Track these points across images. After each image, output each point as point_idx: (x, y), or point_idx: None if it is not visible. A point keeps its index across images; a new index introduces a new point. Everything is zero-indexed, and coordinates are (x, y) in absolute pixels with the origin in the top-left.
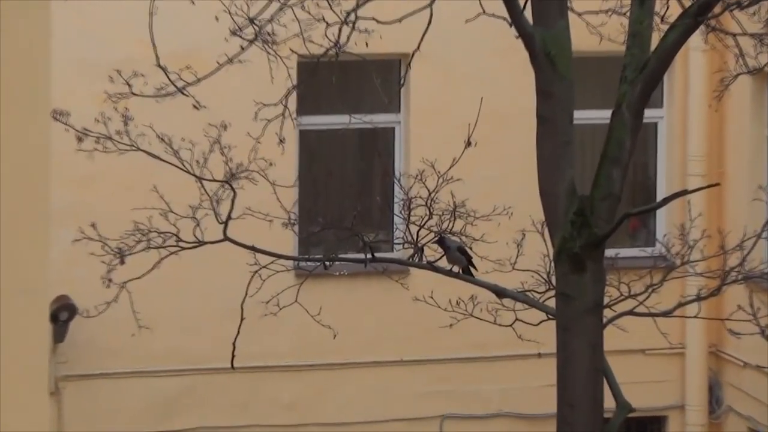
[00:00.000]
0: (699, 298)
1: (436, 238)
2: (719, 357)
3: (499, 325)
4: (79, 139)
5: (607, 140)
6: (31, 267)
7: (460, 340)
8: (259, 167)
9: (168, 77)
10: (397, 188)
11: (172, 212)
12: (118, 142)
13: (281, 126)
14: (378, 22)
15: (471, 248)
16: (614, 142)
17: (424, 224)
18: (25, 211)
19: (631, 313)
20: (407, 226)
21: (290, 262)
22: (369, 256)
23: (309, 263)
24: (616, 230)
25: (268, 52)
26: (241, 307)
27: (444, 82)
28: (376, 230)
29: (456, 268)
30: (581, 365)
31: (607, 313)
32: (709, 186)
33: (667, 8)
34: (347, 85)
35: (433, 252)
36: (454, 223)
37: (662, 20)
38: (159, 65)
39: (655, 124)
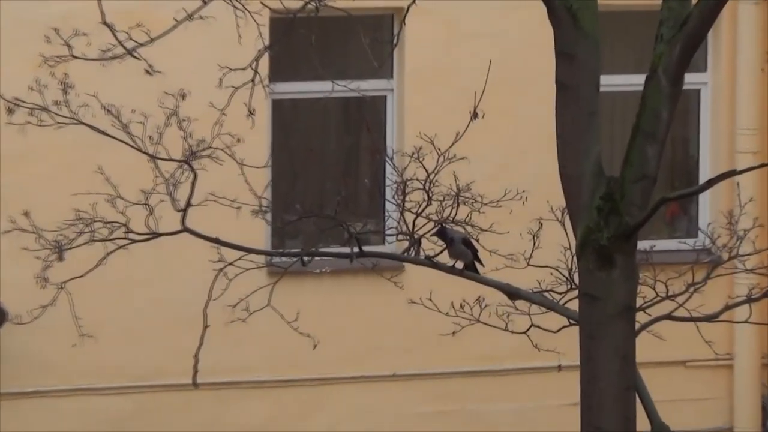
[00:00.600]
0: (750, 300)
1: (436, 229)
2: None
3: (512, 332)
4: (9, 111)
5: (640, 111)
6: None
7: (464, 351)
8: (224, 144)
9: (115, 37)
10: (389, 169)
11: (121, 198)
12: (56, 114)
13: (251, 95)
14: None
15: (477, 240)
16: (649, 114)
17: (422, 212)
18: None
19: (669, 317)
20: (401, 213)
21: (262, 258)
22: (356, 249)
23: (284, 259)
24: (651, 218)
25: (235, 7)
26: (204, 312)
27: (445, 42)
28: (364, 219)
29: (460, 264)
30: (610, 380)
31: (641, 318)
32: (762, 165)
33: None
34: (329, 46)
35: (432, 245)
36: (457, 211)
37: None
38: (104, 22)
39: (698, 92)
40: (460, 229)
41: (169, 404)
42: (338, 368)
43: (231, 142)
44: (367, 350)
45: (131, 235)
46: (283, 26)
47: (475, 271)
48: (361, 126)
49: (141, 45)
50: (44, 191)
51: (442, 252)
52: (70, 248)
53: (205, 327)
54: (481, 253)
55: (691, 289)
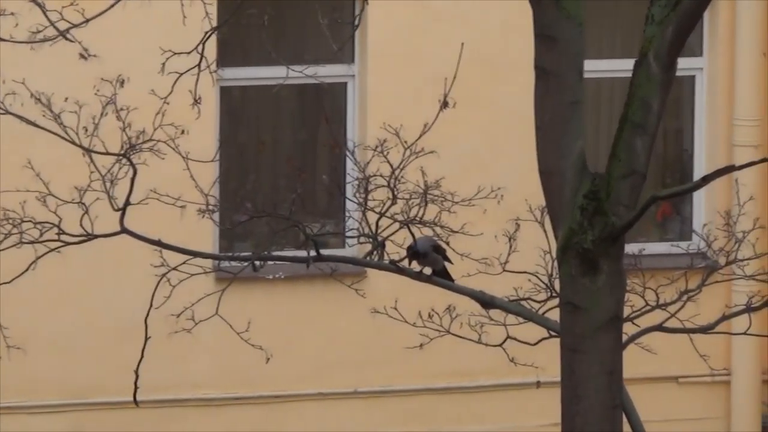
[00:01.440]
0: (749, 309)
1: (409, 252)
2: None
3: (486, 345)
4: None
5: (629, 100)
6: None
7: (433, 366)
8: (167, 136)
9: (46, 16)
10: (349, 164)
11: (52, 196)
12: None
13: (196, 81)
14: None
15: (448, 243)
16: (638, 103)
17: (386, 211)
18: None
19: (660, 328)
20: (363, 213)
21: (209, 262)
22: (313, 253)
23: (234, 263)
24: (640, 219)
25: None
26: (145, 322)
27: (412, 23)
28: (322, 219)
29: (428, 270)
30: (594, 398)
31: (629, 329)
32: (763, 160)
33: None
34: (283, 27)
35: (398, 248)
36: (425, 210)
37: None
38: (34, 1)
39: (693, 78)
40: (427, 231)
41: (108, 424)
42: (294, 384)
43: (174, 133)
44: (326, 364)
45: (64, 237)
46: (232, 5)
47: (446, 277)
48: (318, 116)
49: (75, 26)
50: None
51: (407, 257)
52: None
53: (147, 338)
54: (452, 256)
55: (685, 298)
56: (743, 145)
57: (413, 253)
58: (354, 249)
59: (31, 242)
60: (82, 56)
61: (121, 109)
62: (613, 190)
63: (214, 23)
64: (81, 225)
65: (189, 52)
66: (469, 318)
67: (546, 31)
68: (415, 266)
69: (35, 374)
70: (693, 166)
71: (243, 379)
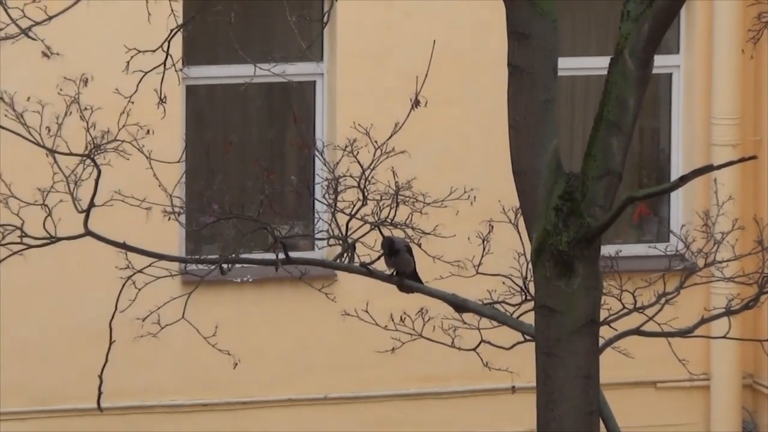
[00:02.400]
0: (729, 312)
1: (386, 245)
2: (756, 391)
3: (459, 349)
4: None
5: (604, 98)
6: None
7: (405, 370)
8: (132, 136)
9: (8, 14)
10: (319, 164)
11: (15, 198)
12: None
13: (162, 80)
14: None
15: (419, 245)
16: (613, 101)
17: (356, 212)
18: None
19: (637, 332)
20: (333, 215)
21: (175, 265)
22: (281, 256)
23: (200, 266)
24: (616, 220)
25: None
26: (110, 326)
27: (382, 20)
28: (291, 221)
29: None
30: (570, 403)
31: (605, 333)
32: (742, 160)
33: None
34: (251, 24)
35: (368, 250)
36: (396, 211)
37: None
38: None
39: (669, 76)
40: (399, 233)
41: (71, 431)
42: (263, 390)
43: (139, 133)
44: (296, 370)
45: (27, 240)
46: (198, 3)
47: (417, 279)
48: (287, 115)
49: (37, 24)
50: None
51: (379, 258)
52: None
53: (111, 342)
54: (424, 260)
55: (663, 300)
56: (721, 144)
57: (389, 246)
58: (324, 251)
59: None
60: (44, 54)
61: (85, 109)
62: (588, 190)
63: (180, 21)
64: (44, 227)
65: (154, 51)
66: (442, 321)
67: (519, 28)
68: (386, 268)
69: None
70: (670, 166)
71: (210, 384)
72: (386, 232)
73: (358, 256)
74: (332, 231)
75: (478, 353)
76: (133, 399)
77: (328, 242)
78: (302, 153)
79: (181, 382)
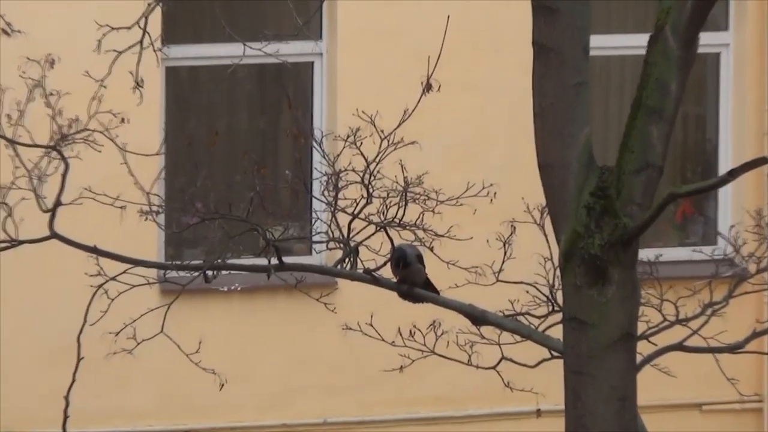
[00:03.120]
0: None
1: (397, 258)
2: None
3: (477, 367)
4: None
5: (643, 81)
6: None
7: (415, 391)
8: (104, 125)
9: None
10: (317, 156)
11: None
12: None
13: (138, 61)
14: None
15: (432, 249)
16: (653, 85)
17: (360, 212)
18: None
19: (680, 347)
20: (333, 214)
21: (153, 272)
22: (274, 261)
23: (182, 273)
24: (656, 220)
25: None
26: (78, 341)
27: None
28: (285, 222)
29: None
30: (603, 429)
31: (644, 348)
32: None
33: None
34: None
35: (373, 254)
36: (405, 211)
37: None
38: None
39: (717, 56)
40: (408, 235)
41: None
42: (253, 414)
43: (113, 122)
44: (290, 391)
45: None
46: None
47: (430, 288)
48: (280, 101)
49: None
50: None
51: (385, 264)
52: None
53: (79, 360)
54: (437, 265)
55: (709, 311)
56: None
57: (401, 259)
58: (322, 256)
59: None
60: (4, 32)
61: (51, 94)
62: (624, 186)
63: None
64: (3, 229)
65: (129, 28)
66: (457, 336)
67: (546, 1)
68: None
69: None
70: (718, 159)
71: (193, 408)
72: (393, 234)
73: (362, 262)
74: (332, 233)
75: (498, 372)
76: (104, 424)
77: (327, 245)
78: (298, 144)
79: (159, 405)
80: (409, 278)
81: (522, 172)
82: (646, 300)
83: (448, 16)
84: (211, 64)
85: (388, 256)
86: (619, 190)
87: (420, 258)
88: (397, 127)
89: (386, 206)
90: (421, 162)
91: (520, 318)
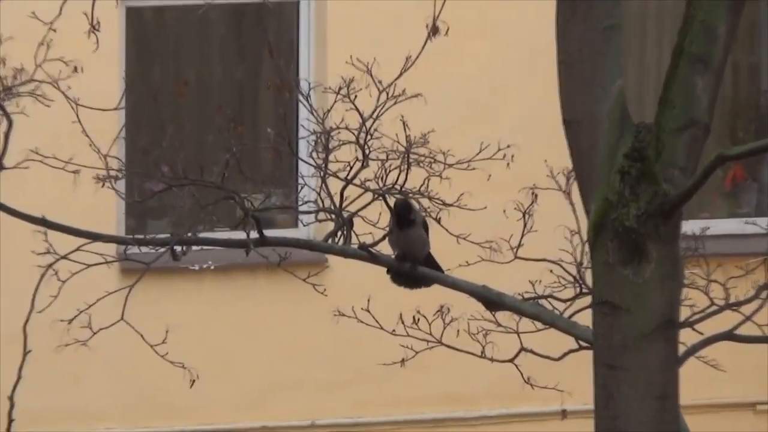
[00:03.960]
0: None
1: (399, 209)
2: None
3: (491, 360)
4: None
5: (685, 24)
6: None
7: (419, 389)
8: (53, 76)
9: None
10: (304, 112)
11: None
12: None
13: (94, 0)
14: None
15: (438, 220)
16: (698, 28)
17: (355, 177)
18: None
19: (730, 336)
20: (323, 180)
21: (112, 248)
22: (254, 234)
23: (145, 249)
24: (702, 186)
25: None
26: (24, 330)
27: None
28: (266, 188)
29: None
30: (640, 431)
31: (687, 337)
32: None
33: None
34: None
35: (370, 227)
36: (407, 175)
37: None
38: None
39: None
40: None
41: None
42: (229, 415)
43: (64, 72)
44: (273, 387)
45: None
46: None
47: (435, 267)
48: (261, 47)
49: None
50: None
51: (384, 239)
52: None
53: (26, 353)
54: (442, 238)
55: (764, 294)
56: None
57: (403, 211)
58: (310, 229)
59: None
60: None
61: None
62: (664, 147)
63: None
64: None
65: None
66: (468, 323)
67: None
68: (392, 250)
69: None
70: None
71: (159, 408)
72: (394, 202)
73: (357, 236)
74: (322, 201)
75: (516, 366)
76: (55, 426)
77: (316, 216)
78: (281, 97)
79: (119, 404)
80: (411, 248)
81: (544, 131)
82: (690, 281)
83: None
84: (178, 4)
85: (388, 228)
86: (658, 151)
87: (425, 225)
88: (398, 77)
89: (385, 170)
90: (426, 119)
91: (543, 302)
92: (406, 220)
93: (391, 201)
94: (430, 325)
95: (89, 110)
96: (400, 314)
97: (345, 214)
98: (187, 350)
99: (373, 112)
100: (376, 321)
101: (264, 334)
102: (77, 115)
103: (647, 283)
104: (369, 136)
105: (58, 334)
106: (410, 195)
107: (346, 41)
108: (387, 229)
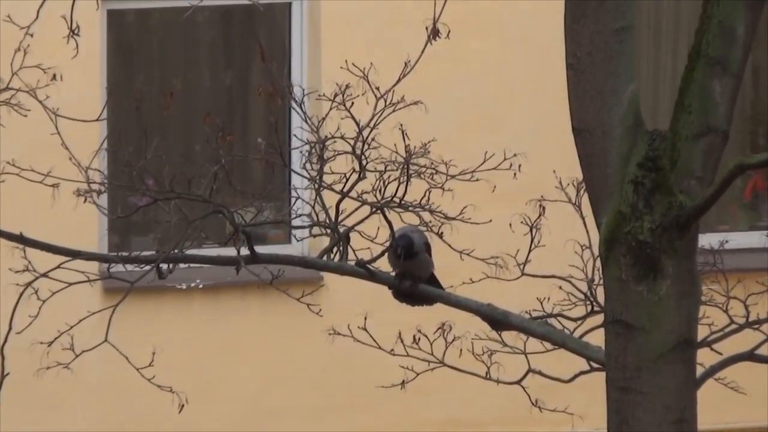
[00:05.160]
0: None
1: (398, 242)
2: None
3: (497, 382)
4: None
5: (702, 24)
6: None
7: (420, 412)
8: (30, 85)
9: None
10: (296, 121)
11: None
12: None
13: (73, 3)
14: None
15: (441, 235)
16: (715, 29)
17: (351, 189)
18: None
19: (751, 357)
20: (317, 192)
21: (94, 266)
22: (245, 251)
23: (130, 267)
24: (720, 197)
25: None
26: (1, 352)
27: None
28: (257, 202)
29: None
30: None
31: (706, 358)
32: None
33: None
34: None
35: (368, 242)
36: (407, 187)
37: None
38: None
39: None
40: (411, 218)
41: None
42: None
43: (42, 80)
44: (265, 413)
45: None
46: None
47: (437, 285)
48: (251, 51)
49: None
50: None
51: (382, 255)
52: None
53: (3, 376)
54: (449, 255)
55: None
56: None
57: (404, 247)
58: (304, 244)
59: None
60: None
61: None
62: (680, 155)
63: None
64: None
65: None
66: (472, 343)
67: None
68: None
69: None
70: None
71: None
72: (393, 217)
73: (354, 252)
74: (316, 216)
75: (524, 388)
76: None
77: (310, 231)
78: (273, 105)
79: (103, 429)
80: (414, 271)
81: (553, 139)
82: (709, 298)
83: None
84: (163, 6)
85: (387, 243)
86: (673, 160)
87: (428, 246)
88: (397, 83)
89: (384, 182)
90: (426, 127)
91: (551, 321)
92: (409, 254)
93: (391, 215)
94: (431, 344)
95: (69, 120)
96: (399, 333)
97: (341, 229)
98: (174, 373)
99: (371, 121)
100: (374, 340)
101: (255, 357)
102: (56, 126)
103: (663, 300)
104: (366, 146)
105: (37, 357)
106: (410, 208)
107: (341, 44)
108: (386, 245)
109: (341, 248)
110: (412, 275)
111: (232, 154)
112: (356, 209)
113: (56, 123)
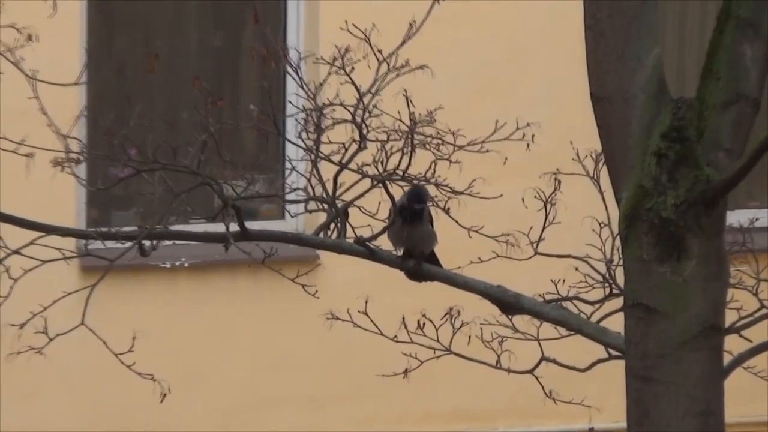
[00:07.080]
0: None
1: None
2: None
3: (508, 371)
4: None
5: None
6: None
7: (425, 403)
8: (5, 45)
9: None
10: (292, 86)
11: None
12: None
13: None
14: None
15: (447, 210)
16: None
17: (350, 160)
18: None
19: None
20: (314, 164)
21: (71, 243)
22: (235, 227)
23: (110, 243)
24: (750, 170)
25: None
26: None
27: None
28: (249, 174)
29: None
30: None
31: (734, 345)
32: None
33: None
34: None
35: (368, 218)
36: (411, 159)
37: None
38: None
39: None
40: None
41: None
42: None
43: (17, 41)
44: (257, 402)
45: None
46: None
47: (436, 263)
48: (243, 12)
49: None
50: None
51: (384, 232)
52: None
53: None
54: (456, 232)
55: None
56: None
57: (415, 199)
58: (299, 220)
59: None
60: None
61: None
62: (708, 125)
63: None
64: None
65: None
66: (481, 329)
67: None
68: (393, 248)
69: None
70: None
71: (125, 424)
72: (395, 191)
73: (353, 228)
74: (312, 189)
75: (537, 378)
76: None
77: (306, 206)
78: (267, 69)
79: (79, 421)
80: (418, 245)
81: (569, 107)
82: (737, 280)
83: None
84: None
85: (388, 218)
86: (700, 130)
87: (431, 219)
88: (401, 45)
89: (386, 153)
90: (432, 93)
91: (567, 304)
92: (417, 211)
93: (393, 188)
94: (437, 330)
95: (46, 84)
96: (403, 318)
97: (339, 204)
98: (157, 360)
99: (372, 86)
100: (375, 325)
101: (245, 342)
102: (33, 90)
103: (687, 282)
104: (367, 114)
105: (8, 341)
106: (414, 181)
107: (340, 4)
108: (387, 221)
109: (339, 224)
110: (414, 251)
111: (221, 121)
112: (356, 182)
113: (33, 87)
